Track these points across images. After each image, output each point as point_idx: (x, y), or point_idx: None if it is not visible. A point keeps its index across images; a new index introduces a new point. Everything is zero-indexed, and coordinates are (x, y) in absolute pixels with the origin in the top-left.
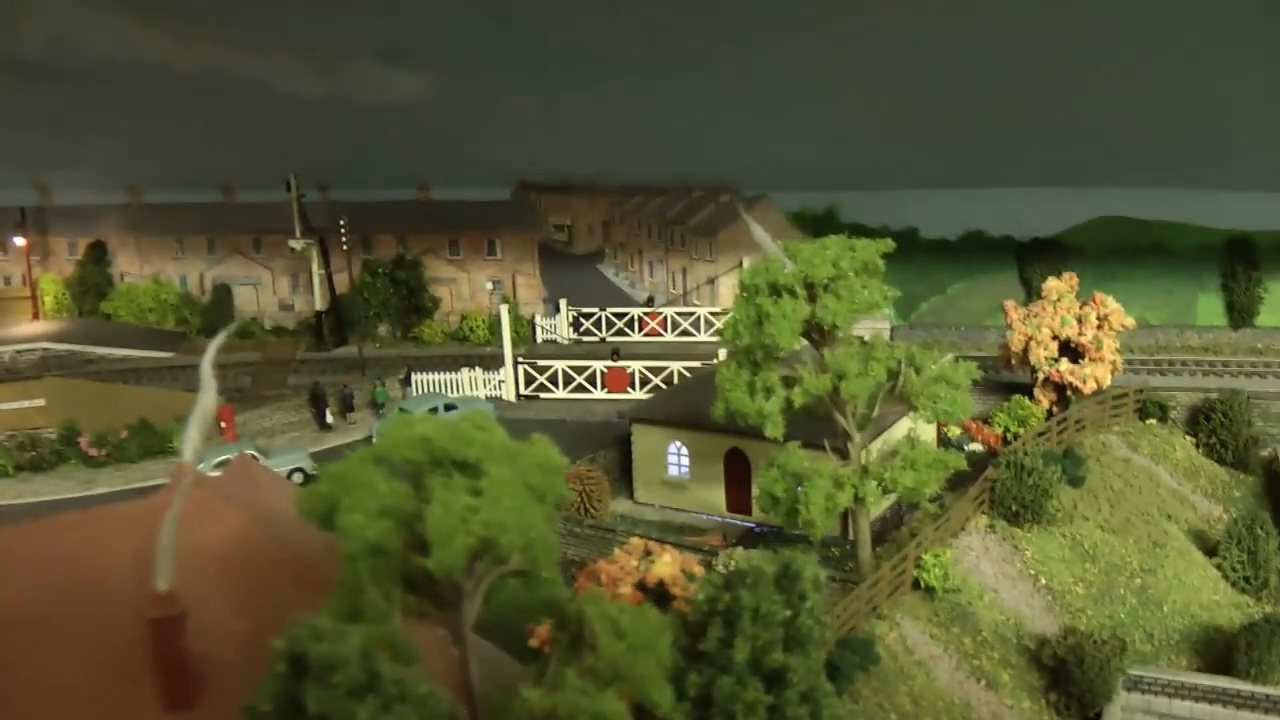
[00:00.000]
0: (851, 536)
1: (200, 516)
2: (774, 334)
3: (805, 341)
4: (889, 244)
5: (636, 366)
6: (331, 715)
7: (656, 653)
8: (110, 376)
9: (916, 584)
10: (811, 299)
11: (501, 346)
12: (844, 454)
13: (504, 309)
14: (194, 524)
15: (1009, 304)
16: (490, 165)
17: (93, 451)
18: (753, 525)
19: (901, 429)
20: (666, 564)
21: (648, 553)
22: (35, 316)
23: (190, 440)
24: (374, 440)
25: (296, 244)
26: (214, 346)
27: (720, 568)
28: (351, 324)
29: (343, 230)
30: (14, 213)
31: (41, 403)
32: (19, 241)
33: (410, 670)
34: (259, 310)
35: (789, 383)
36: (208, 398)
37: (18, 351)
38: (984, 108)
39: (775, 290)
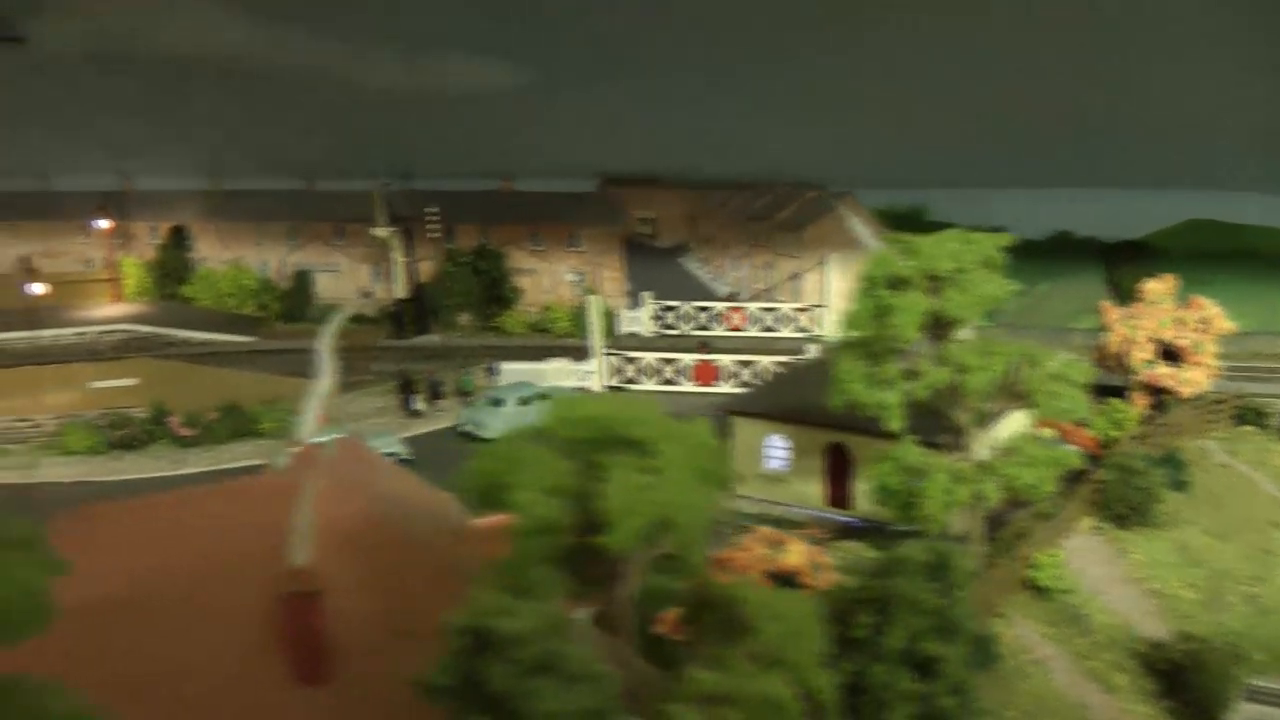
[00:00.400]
0: (952, 534)
1: (319, 495)
2: (898, 326)
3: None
4: (1006, 238)
5: (726, 360)
6: (513, 692)
7: (812, 638)
8: (200, 359)
9: (1026, 583)
10: (932, 292)
11: (589, 337)
12: (956, 449)
13: (592, 300)
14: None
15: (1106, 305)
16: (574, 158)
17: (184, 431)
18: (852, 520)
19: (1006, 427)
20: (797, 553)
21: (776, 542)
22: (117, 299)
23: (307, 420)
24: (462, 428)
25: (380, 232)
26: (331, 331)
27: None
28: (433, 313)
29: (433, 219)
30: (96, 197)
31: (134, 382)
32: (103, 224)
33: (584, 649)
34: (338, 297)
35: (909, 376)
36: (325, 380)
37: (101, 332)
38: (1072, 106)
39: (894, 283)
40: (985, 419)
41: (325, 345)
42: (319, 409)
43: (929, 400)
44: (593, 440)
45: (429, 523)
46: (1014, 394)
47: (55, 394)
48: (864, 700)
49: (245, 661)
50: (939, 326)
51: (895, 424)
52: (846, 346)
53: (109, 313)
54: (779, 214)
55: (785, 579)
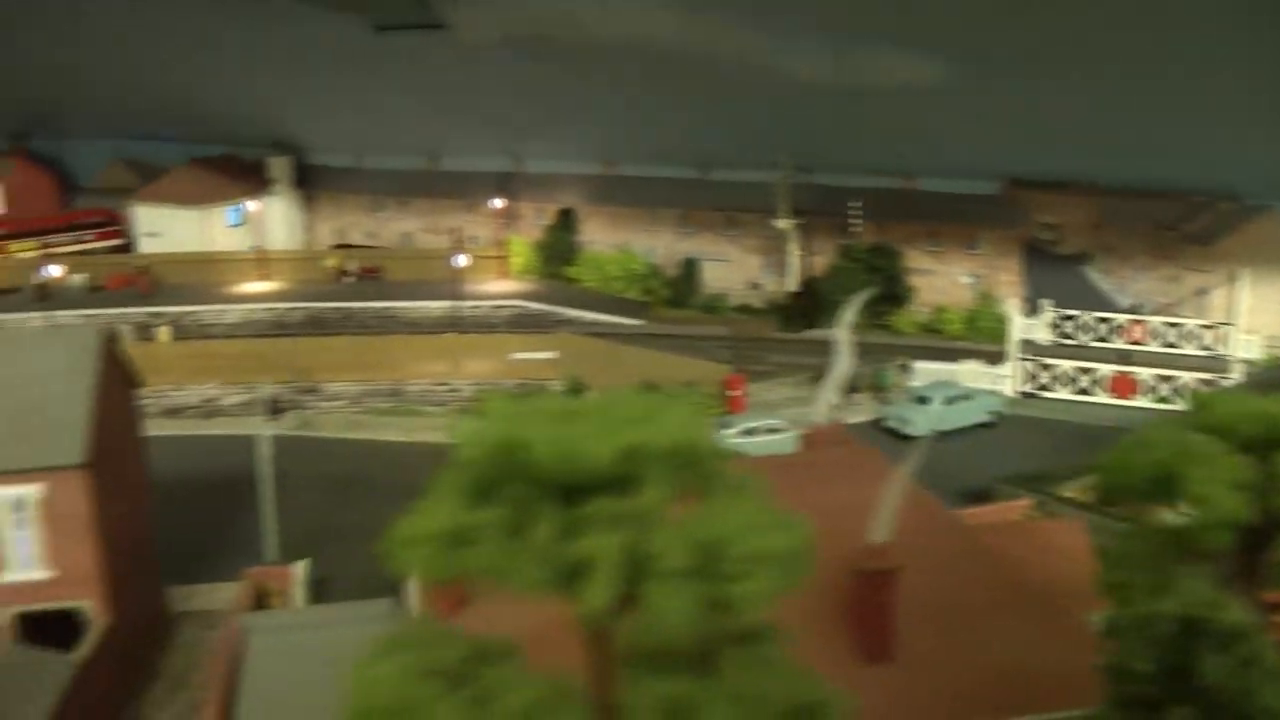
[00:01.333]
0: None
1: (850, 473)
2: None
3: None
4: None
5: (1146, 374)
6: (1228, 686)
7: None
8: (617, 339)
9: None
10: None
11: (1006, 342)
12: None
13: (1011, 306)
14: (842, 481)
15: None
16: (978, 158)
17: None
18: None
19: None
20: None
21: None
22: (503, 276)
23: (824, 401)
24: (885, 423)
25: (783, 224)
26: (847, 319)
27: None
28: (823, 308)
29: (855, 213)
30: (482, 176)
31: (555, 355)
32: (498, 204)
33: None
34: (725, 287)
35: None
36: (844, 363)
37: (494, 306)
38: None
39: None
40: None
41: (843, 330)
42: (835, 393)
43: None
44: (1267, 438)
45: (939, 508)
46: None
47: (475, 361)
48: None
49: (814, 633)
50: None
51: None
52: None
53: (500, 288)
54: (1190, 225)
55: None
